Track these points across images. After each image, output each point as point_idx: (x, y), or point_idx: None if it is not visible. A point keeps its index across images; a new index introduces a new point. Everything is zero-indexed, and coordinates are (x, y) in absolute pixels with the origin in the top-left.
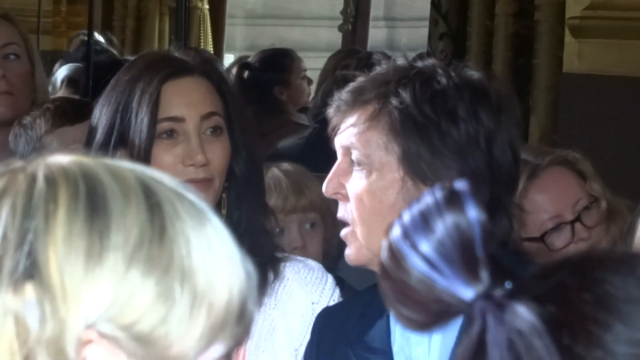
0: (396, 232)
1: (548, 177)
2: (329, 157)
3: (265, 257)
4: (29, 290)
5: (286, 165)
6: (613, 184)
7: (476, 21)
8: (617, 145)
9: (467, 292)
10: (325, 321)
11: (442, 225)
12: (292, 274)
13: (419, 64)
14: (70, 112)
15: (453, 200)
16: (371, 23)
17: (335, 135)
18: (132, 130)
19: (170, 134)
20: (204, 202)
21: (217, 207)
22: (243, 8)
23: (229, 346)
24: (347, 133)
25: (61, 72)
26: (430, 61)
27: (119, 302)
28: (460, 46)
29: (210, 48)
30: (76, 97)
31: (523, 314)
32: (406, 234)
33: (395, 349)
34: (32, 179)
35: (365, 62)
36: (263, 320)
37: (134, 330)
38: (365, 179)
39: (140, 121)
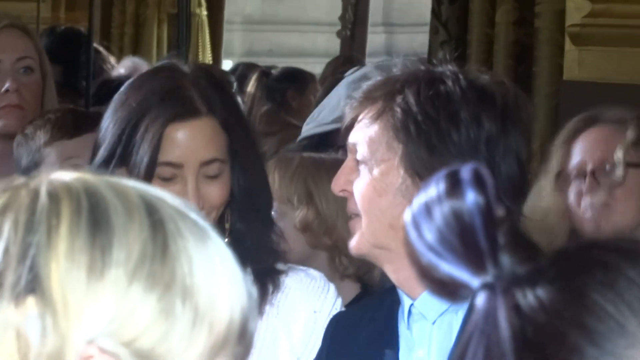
0: (407, 218)
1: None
2: None
3: (265, 267)
4: (31, 304)
5: (318, 155)
6: None
7: (476, 29)
8: None
9: (471, 280)
10: (337, 327)
11: (441, 213)
12: (294, 284)
13: (438, 68)
14: (70, 126)
15: (453, 187)
16: (369, 29)
17: (347, 133)
18: (132, 163)
19: (168, 177)
20: (206, 222)
21: (221, 220)
22: (241, 14)
23: None
24: (355, 131)
25: None
26: (447, 66)
27: (120, 317)
28: (460, 54)
29: (208, 54)
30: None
31: (526, 300)
32: (414, 222)
33: (402, 350)
34: (35, 195)
35: None
36: (265, 329)
37: (135, 347)
38: (368, 175)
39: (140, 158)
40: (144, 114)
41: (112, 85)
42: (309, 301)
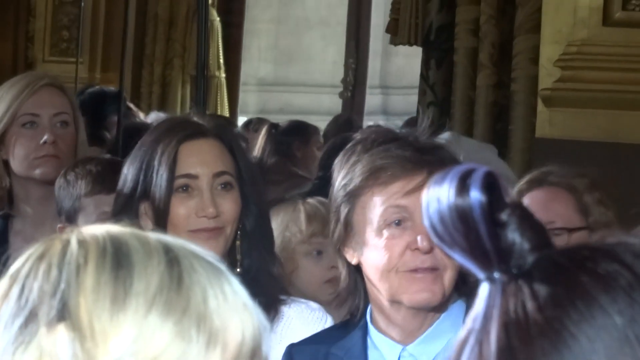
0: (424, 210)
1: (545, 191)
2: None
3: (269, 298)
4: (61, 330)
5: (319, 198)
6: None
7: (460, 91)
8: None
9: (478, 273)
10: (293, 358)
11: (447, 209)
12: (295, 314)
13: None
14: (108, 181)
15: (460, 184)
16: (368, 90)
17: None
18: (154, 185)
19: (186, 188)
20: (220, 263)
21: (231, 252)
22: (255, 77)
23: None
24: None
25: None
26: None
27: (141, 340)
28: (445, 113)
29: (226, 111)
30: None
31: (527, 293)
32: (427, 201)
33: None
34: (66, 243)
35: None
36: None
37: None
38: None
39: (160, 177)
40: (159, 141)
41: (138, 131)
42: (309, 330)
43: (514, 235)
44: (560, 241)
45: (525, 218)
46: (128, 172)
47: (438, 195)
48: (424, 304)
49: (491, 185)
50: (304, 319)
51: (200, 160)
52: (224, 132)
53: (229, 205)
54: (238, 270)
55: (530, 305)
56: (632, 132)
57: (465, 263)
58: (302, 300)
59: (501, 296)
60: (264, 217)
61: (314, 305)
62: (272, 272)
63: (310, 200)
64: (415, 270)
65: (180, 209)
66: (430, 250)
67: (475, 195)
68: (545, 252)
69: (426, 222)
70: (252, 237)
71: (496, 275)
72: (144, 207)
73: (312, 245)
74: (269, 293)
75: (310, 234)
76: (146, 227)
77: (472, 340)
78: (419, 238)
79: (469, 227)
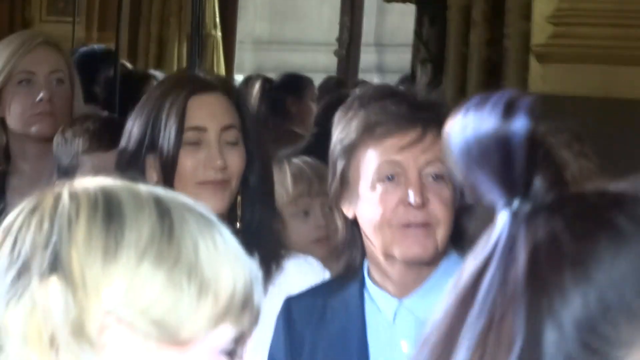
0: (458, 131)
1: None
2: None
3: (270, 252)
4: (54, 282)
5: (304, 158)
6: None
7: (453, 48)
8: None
9: (500, 200)
10: (292, 312)
11: (491, 131)
12: (294, 267)
13: None
14: (106, 139)
15: (508, 107)
16: (362, 48)
17: None
18: (162, 137)
19: (195, 141)
20: (212, 215)
21: (234, 207)
22: (251, 35)
23: (239, 330)
24: None
25: None
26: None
27: (133, 291)
28: (438, 70)
29: (222, 70)
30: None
31: (560, 224)
32: (463, 123)
33: (381, 341)
34: (58, 196)
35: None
36: (269, 308)
37: (148, 316)
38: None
39: (169, 130)
40: (167, 95)
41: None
42: (308, 283)
43: (541, 170)
44: None
45: (551, 156)
46: (134, 126)
47: (480, 117)
48: (416, 258)
49: (533, 117)
50: (302, 273)
51: (209, 113)
52: (230, 87)
53: (236, 159)
54: (238, 225)
55: (563, 235)
56: (625, 87)
57: (490, 188)
58: (301, 254)
59: (526, 225)
60: (266, 173)
61: (311, 259)
62: (273, 227)
63: (295, 160)
64: (407, 225)
65: (189, 161)
66: (422, 206)
67: (522, 122)
68: (572, 190)
69: (459, 145)
70: (254, 192)
71: (521, 204)
72: (151, 160)
73: (298, 207)
74: (270, 247)
75: (296, 195)
76: (151, 179)
77: (493, 267)
78: (411, 193)
79: (507, 152)
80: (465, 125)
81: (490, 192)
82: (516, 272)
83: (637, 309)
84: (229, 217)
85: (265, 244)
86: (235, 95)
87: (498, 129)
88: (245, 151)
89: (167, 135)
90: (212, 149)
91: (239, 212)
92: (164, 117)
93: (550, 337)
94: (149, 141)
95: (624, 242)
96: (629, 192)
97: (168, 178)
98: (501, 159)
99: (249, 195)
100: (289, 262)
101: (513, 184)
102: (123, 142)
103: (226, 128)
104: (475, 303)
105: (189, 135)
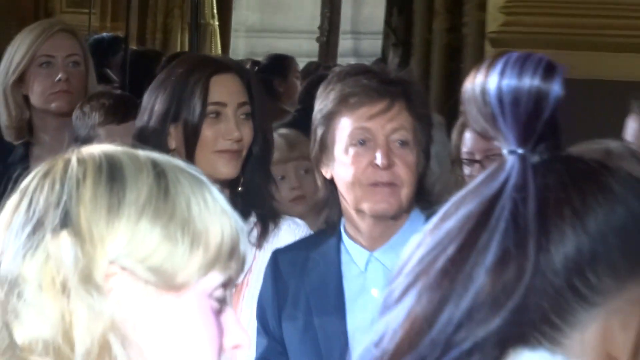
0: (494, 65)
1: None
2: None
3: (267, 212)
4: (64, 236)
5: (283, 130)
6: None
7: (418, 35)
8: None
9: (511, 146)
10: (279, 264)
11: (528, 83)
12: (285, 227)
13: None
14: (120, 113)
15: (549, 69)
16: (341, 36)
17: None
18: (186, 110)
19: (216, 114)
20: (202, 175)
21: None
22: (244, 24)
23: (227, 276)
24: None
25: None
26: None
27: (134, 243)
28: (406, 54)
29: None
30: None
31: (564, 172)
32: (502, 71)
33: (354, 289)
34: (68, 161)
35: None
36: (262, 261)
37: (147, 264)
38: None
39: (193, 104)
40: (190, 74)
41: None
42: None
43: (556, 130)
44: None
45: (558, 122)
46: (157, 100)
47: (520, 72)
48: (382, 213)
49: (564, 82)
50: (290, 232)
51: (228, 91)
52: (243, 69)
53: (248, 132)
54: (240, 188)
55: (570, 187)
56: (570, 68)
57: (508, 134)
58: (289, 217)
59: (535, 171)
60: (267, 145)
61: (299, 221)
62: (270, 191)
63: (277, 133)
64: (375, 184)
65: (210, 131)
66: (388, 167)
67: (557, 86)
68: (572, 152)
69: (494, 90)
70: (255, 161)
71: (530, 153)
72: (172, 130)
73: (275, 172)
74: (267, 208)
75: (274, 163)
76: (171, 146)
77: (504, 201)
78: (378, 156)
79: (538, 107)
80: (504, 76)
81: (506, 137)
82: (526, 209)
83: (619, 267)
84: (232, 181)
85: (263, 205)
86: (247, 76)
87: (539, 86)
88: (253, 125)
89: (192, 109)
90: (230, 123)
91: (241, 177)
92: (188, 92)
93: (546, 271)
94: (173, 113)
95: (616, 203)
96: (612, 156)
97: (190, 146)
98: (531, 111)
99: (251, 163)
100: (280, 223)
101: (530, 135)
102: (145, 115)
103: (242, 104)
104: (486, 230)
105: (210, 109)
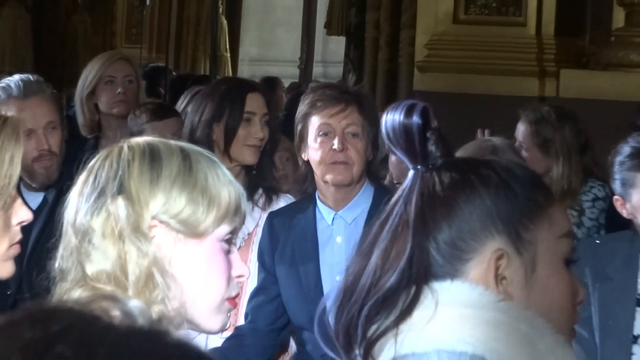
0: (384, 123)
1: None
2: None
3: (270, 187)
4: (120, 200)
5: None
6: None
7: (368, 63)
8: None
9: (409, 164)
10: (273, 222)
11: (399, 124)
12: (282, 198)
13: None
14: (159, 113)
15: (410, 108)
16: (314, 64)
17: None
18: (227, 115)
19: (248, 119)
20: (214, 157)
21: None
22: (248, 55)
23: (233, 227)
24: None
25: None
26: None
27: (168, 204)
28: (359, 77)
29: None
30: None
31: (436, 179)
32: (387, 114)
33: (324, 238)
34: (121, 148)
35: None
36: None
37: (178, 219)
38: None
39: (235, 111)
40: (230, 92)
41: (183, 80)
42: None
43: (433, 146)
44: None
45: (441, 137)
46: (206, 106)
47: (393, 115)
48: (339, 182)
49: (425, 114)
50: (285, 202)
51: (257, 104)
52: (265, 90)
53: (267, 134)
54: (254, 172)
55: (437, 186)
56: (473, 87)
57: (403, 157)
58: (283, 193)
59: (420, 180)
60: (275, 143)
61: (290, 196)
62: (273, 173)
63: None
64: (334, 163)
65: (243, 131)
66: (342, 151)
67: (416, 118)
68: (449, 159)
69: (383, 131)
70: (265, 152)
71: (419, 167)
72: (215, 129)
73: None
74: (270, 184)
75: None
76: (214, 139)
77: (400, 202)
78: (336, 142)
79: (409, 136)
80: (386, 120)
81: (404, 159)
82: (411, 207)
83: (480, 236)
84: (247, 165)
85: (268, 183)
86: (267, 95)
87: (403, 121)
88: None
89: (233, 115)
90: (257, 126)
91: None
92: (228, 105)
93: (432, 247)
94: (218, 117)
95: (474, 197)
96: (484, 160)
97: (229, 141)
98: (406, 140)
99: (262, 153)
100: (278, 197)
101: (414, 155)
102: (196, 116)
103: (264, 114)
104: (387, 224)
105: (245, 116)
